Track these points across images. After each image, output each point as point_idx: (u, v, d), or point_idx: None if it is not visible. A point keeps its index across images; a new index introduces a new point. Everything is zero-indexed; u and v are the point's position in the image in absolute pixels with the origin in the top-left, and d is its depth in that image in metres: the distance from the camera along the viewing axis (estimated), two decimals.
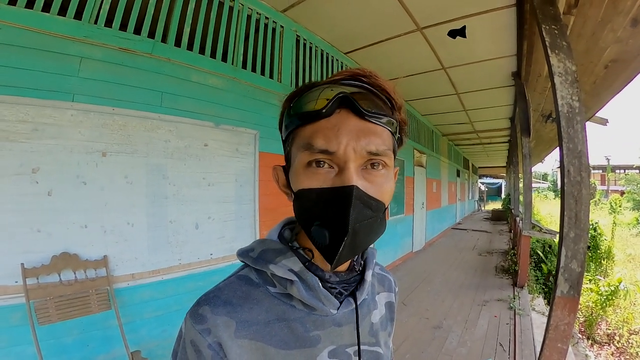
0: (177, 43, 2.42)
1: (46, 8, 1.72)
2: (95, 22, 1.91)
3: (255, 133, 3.00)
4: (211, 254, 2.63)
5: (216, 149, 2.71)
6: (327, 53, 3.99)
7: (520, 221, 4.83)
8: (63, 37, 1.77)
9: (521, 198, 7.61)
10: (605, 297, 4.44)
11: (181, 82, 2.44)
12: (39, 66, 1.68)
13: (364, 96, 0.43)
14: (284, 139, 0.48)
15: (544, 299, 4.48)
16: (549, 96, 4.61)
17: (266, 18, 3.19)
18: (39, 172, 1.72)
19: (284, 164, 0.50)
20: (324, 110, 0.41)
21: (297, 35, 3.54)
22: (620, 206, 17.93)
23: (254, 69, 3.07)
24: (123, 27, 2.06)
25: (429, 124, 8.41)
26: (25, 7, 1.66)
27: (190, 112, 2.48)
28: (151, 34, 2.23)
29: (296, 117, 0.44)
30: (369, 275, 0.53)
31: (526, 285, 4.56)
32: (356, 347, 0.49)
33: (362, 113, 0.42)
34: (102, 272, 1.93)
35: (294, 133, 0.45)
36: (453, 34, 3.48)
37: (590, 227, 6.83)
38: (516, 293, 4.33)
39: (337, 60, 4.18)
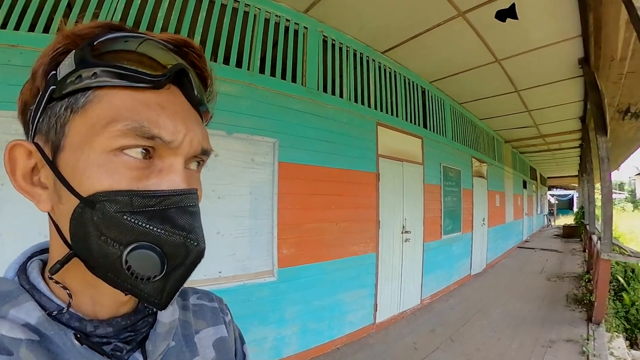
0: None
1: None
2: None
3: (274, 142, 2.81)
4: (220, 272, 2.48)
5: (229, 159, 2.57)
6: (360, 53, 3.71)
7: (598, 241, 4.00)
8: None
9: (598, 212, 6.42)
10: None
11: None
12: None
13: (198, 77, 0.36)
14: (55, 95, 0.30)
15: (626, 339, 3.57)
16: (627, 85, 3.78)
17: (287, 20, 3.03)
18: None
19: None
20: (161, 80, 0.31)
21: (323, 35, 3.33)
22: None
23: (273, 74, 2.91)
24: None
25: (489, 130, 7.60)
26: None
27: None
28: None
29: (107, 70, 0.29)
30: (167, 314, 0.39)
31: (603, 321, 3.70)
32: None
33: (195, 99, 0.35)
34: None
35: (90, 94, 0.30)
36: (501, 15, 2.99)
37: None
38: (591, 332, 3.51)
39: (373, 60, 3.88)
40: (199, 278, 2.33)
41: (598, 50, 3.34)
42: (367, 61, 3.80)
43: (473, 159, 6.39)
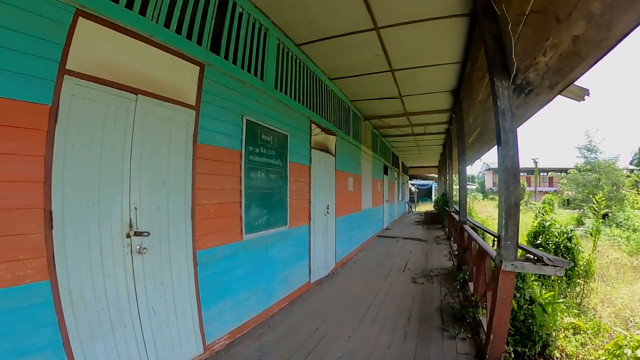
0: None
1: None
2: None
3: None
4: None
5: None
6: None
7: (500, 243, 2.69)
8: None
9: (461, 195, 5.69)
10: None
11: None
12: None
13: None
14: None
15: None
16: (524, 36, 2.66)
17: None
18: None
19: None
20: None
21: None
22: (552, 205, 19.06)
23: None
24: None
25: (344, 97, 6.14)
26: None
27: None
28: None
29: None
30: None
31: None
32: None
33: None
34: None
35: None
36: None
37: (564, 235, 5.20)
38: None
39: None
40: None
41: None
42: None
43: (313, 124, 4.64)
